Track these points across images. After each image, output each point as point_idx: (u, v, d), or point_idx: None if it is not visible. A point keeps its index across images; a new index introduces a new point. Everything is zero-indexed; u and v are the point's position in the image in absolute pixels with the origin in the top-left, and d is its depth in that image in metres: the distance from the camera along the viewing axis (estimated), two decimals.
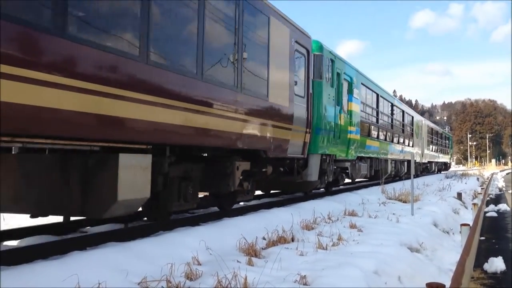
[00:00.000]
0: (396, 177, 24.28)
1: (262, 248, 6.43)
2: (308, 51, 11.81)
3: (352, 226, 8.54)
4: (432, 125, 40.62)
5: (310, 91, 11.89)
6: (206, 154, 8.99)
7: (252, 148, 9.06)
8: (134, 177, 6.01)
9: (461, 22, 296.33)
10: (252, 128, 8.91)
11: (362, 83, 17.17)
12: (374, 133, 18.93)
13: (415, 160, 29.12)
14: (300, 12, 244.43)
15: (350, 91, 15.25)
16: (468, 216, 12.68)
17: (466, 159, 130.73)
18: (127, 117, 5.76)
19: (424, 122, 34.11)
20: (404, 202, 13.75)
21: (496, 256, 7.56)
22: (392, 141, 22.65)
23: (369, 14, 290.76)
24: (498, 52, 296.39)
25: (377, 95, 20.19)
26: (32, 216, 6.68)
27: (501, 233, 11.20)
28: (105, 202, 5.76)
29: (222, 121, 7.87)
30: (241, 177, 9.13)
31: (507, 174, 62.05)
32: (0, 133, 4.29)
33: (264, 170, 10.21)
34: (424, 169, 36.02)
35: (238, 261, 5.49)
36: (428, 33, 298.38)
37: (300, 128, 11.11)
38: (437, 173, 40.40)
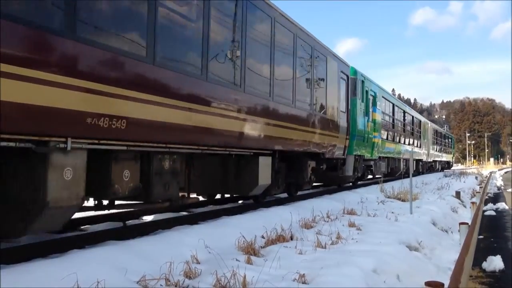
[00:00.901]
0: (406, 174, 25.57)
1: (261, 247, 6.43)
2: (347, 76, 15.53)
3: (351, 225, 8.54)
4: (436, 127, 44.61)
5: (349, 106, 15.57)
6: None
7: (317, 151, 12.74)
8: (264, 170, 9.90)
9: (461, 20, 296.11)
10: (319, 137, 12.65)
11: (382, 96, 21.11)
12: (390, 136, 22.84)
13: (422, 159, 33.36)
14: (299, 9, 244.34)
15: (374, 104, 18.86)
16: (467, 215, 12.70)
17: (464, 158, 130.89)
18: (269, 134, 9.80)
19: (429, 125, 37.88)
20: (403, 200, 13.76)
21: (494, 255, 7.56)
22: (404, 142, 26.34)
23: (368, 12, 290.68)
24: (497, 50, 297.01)
25: (393, 104, 24.33)
26: (198, 195, 10.27)
27: (500, 232, 11.22)
28: (251, 185, 9.70)
29: (304, 133, 11.66)
30: (310, 172, 12.73)
31: (506, 173, 62.16)
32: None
33: (321, 167, 13.90)
34: (429, 168, 38.99)
35: (237, 260, 5.50)
36: (427, 31, 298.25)
37: (343, 136, 14.74)
38: (441, 171, 42.53)
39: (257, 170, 9.62)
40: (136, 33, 6.08)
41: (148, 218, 9.30)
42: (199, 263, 5.35)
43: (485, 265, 7.27)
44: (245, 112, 8.77)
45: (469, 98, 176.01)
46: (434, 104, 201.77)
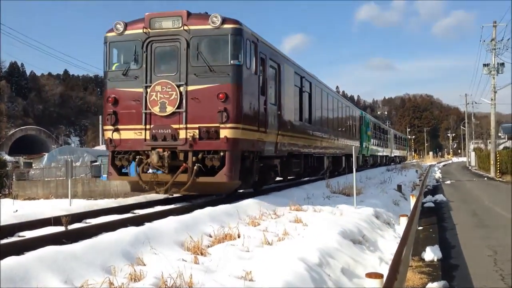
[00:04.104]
0: (376, 165, 40.80)
1: (208, 246, 6.40)
2: (360, 116, 31.03)
3: (297, 221, 8.66)
4: (396, 132, 64.08)
5: (360, 129, 30.61)
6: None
7: (350, 153, 19.88)
8: (344, 161, 25.71)
9: (403, 15, 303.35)
10: (349, 146, 24.33)
11: (371, 120, 37.29)
12: (375, 143, 37.89)
13: (388, 155, 49.38)
14: (241, 5, 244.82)
15: (368, 126, 33.78)
16: (408, 207, 13.19)
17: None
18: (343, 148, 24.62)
19: (392, 131, 55.22)
20: (348, 195, 14.09)
21: (433, 244, 7.93)
22: (380, 145, 41.75)
23: (314, 7, 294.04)
24: (437, 47, 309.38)
25: (374, 123, 39.69)
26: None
27: (438, 223, 11.75)
28: (340, 167, 24.69)
29: (348, 146, 23.87)
30: (345, 163, 25.42)
31: (444, 165, 65.16)
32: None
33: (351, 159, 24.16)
34: (392, 161, 52.98)
35: (183, 260, 5.45)
36: (372, 27, 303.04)
37: (358, 143, 28.82)
38: (399, 163, 54.34)
39: (342, 161, 23.89)
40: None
41: (92, 221, 9.04)
42: (144, 265, 5.26)
43: (424, 255, 7.60)
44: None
45: (409, 94, 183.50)
46: (376, 100, 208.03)
